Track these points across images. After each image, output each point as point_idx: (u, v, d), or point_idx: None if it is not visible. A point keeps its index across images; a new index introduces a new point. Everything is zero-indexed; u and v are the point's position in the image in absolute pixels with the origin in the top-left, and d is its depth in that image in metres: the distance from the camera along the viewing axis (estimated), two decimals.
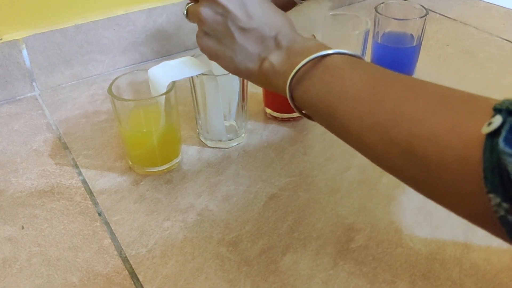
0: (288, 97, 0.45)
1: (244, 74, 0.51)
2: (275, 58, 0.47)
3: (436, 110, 0.34)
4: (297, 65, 0.43)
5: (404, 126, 0.35)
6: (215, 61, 0.52)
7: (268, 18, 0.48)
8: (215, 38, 0.50)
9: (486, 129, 0.29)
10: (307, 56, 0.43)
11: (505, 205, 0.29)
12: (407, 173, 0.36)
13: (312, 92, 0.43)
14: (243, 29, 0.48)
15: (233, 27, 0.48)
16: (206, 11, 0.49)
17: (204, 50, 0.52)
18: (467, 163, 0.31)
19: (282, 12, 0.50)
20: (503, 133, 0.28)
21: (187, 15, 0.53)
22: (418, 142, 0.34)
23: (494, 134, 0.29)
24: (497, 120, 0.29)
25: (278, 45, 0.47)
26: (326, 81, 0.42)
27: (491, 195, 0.29)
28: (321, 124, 0.44)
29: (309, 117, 0.47)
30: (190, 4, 0.52)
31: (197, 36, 0.52)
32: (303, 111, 0.46)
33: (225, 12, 0.48)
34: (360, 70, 0.41)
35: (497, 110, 0.30)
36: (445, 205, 0.35)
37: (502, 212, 0.29)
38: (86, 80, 0.84)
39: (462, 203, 0.33)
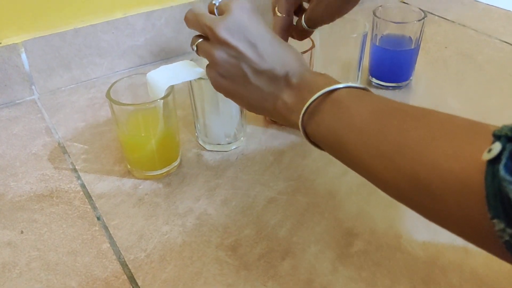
0: (302, 133, 0.47)
1: (260, 112, 0.52)
2: (287, 97, 0.48)
3: (437, 138, 0.35)
4: (307, 101, 0.45)
5: (407, 154, 0.36)
6: (229, 98, 0.53)
7: (279, 56, 0.49)
8: (228, 78, 0.51)
9: (487, 156, 0.30)
10: (316, 92, 0.44)
11: (509, 230, 0.29)
12: (413, 200, 0.37)
13: (322, 126, 0.44)
14: (256, 71, 0.49)
15: (247, 69, 0.49)
16: (219, 54, 0.50)
17: (218, 89, 0.53)
18: (469, 190, 0.31)
19: (291, 47, 0.51)
20: (503, 160, 0.28)
21: (197, 51, 0.53)
22: (422, 170, 0.34)
23: (495, 160, 0.29)
24: (497, 147, 0.29)
25: (289, 83, 0.48)
26: (335, 114, 0.43)
27: (495, 221, 0.29)
28: (334, 156, 0.45)
29: (324, 150, 0.48)
30: (200, 41, 0.53)
31: (210, 76, 0.52)
32: (318, 145, 0.48)
33: (238, 54, 0.49)
34: (366, 102, 0.42)
35: (496, 136, 0.30)
36: (451, 230, 0.36)
37: (506, 237, 0.29)
38: (85, 83, 0.84)
39: (468, 228, 0.33)
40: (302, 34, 0.65)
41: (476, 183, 0.30)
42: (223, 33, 0.49)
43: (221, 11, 0.51)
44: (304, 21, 0.63)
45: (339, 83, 0.45)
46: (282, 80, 0.48)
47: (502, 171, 0.28)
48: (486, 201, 0.30)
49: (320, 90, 0.44)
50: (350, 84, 0.44)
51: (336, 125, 0.43)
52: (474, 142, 0.32)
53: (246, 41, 0.48)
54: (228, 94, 0.52)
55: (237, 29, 0.49)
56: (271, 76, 0.49)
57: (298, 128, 0.47)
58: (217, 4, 0.52)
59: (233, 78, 0.50)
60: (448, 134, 0.35)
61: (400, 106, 0.41)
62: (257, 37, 0.49)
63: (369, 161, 0.40)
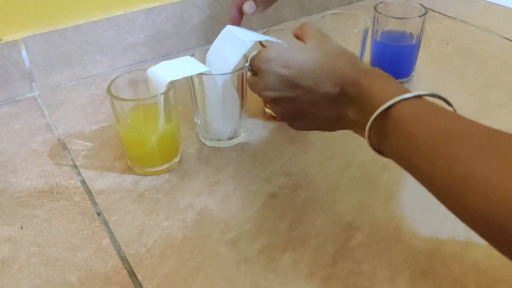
0: (371, 147, 0.46)
1: (336, 130, 0.53)
2: (351, 113, 0.48)
3: (508, 170, 0.33)
4: (369, 118, 0.43)
5: (477, 190, 0.34)
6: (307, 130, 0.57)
7: (326, 77, 0.49)
8: (299, 119, 0.54)
9: None
10: (375, 108, 0.43)
11: None
12: (484, 233, 0.35)
13: (388, 146, 0.44)
14: (313, 103, 0.50)
15: (306, 106, 0.51)
16: (278, 109, 0.55)
17: (299, 129, 0.56)
18: None
19: (334, 52, 0.50)
20: None
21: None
22: (493, 207, 0.33)
23: None
24: None
25: (348, 98, 0.47)
26: (399, 137, 0.42)
27: None
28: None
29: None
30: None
31: (287, 122, 0.57)
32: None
33: (290, 101, 0.52)
34: (429, 121, 0.40)
35: None
36: None
37: None
38: (85, 80, 0.84)
39: None
40: (267, 0, 0.65)
41: None
42: (266, 93, 0.53)
43: (254, 72, 0.55)
44: None
45: (395, 92, 0.42)
46: (341, 98, 0.48)
47: None
48: None
49: (378, 106, 0.43)
50: (407, 94, 0.42)
51: (402, 148, 0.41)
52: None
53: (288, 87, 0.51)
54: (309, 130, 0.55)
55: (273, 83, 0.52)
56: (328, 101, 0.49)
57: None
58: (248, 67, 0.56)
59: (302, 116, 0.53)
60: None
61: (468, 127, 0.38)
62: (294, 76, 0.50)
63: (440, 189, 0.38)
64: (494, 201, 0.33)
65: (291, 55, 0.51)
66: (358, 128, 0.47)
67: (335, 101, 0.49)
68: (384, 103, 0.42)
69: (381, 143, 0.45)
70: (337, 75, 0.48)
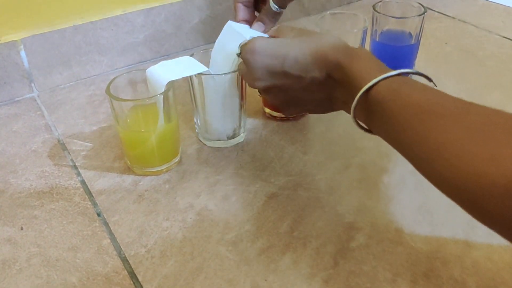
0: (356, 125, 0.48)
1: (328, 112, 0.55)
2: (340, 94, 0.50)
3: (475, 140, 0.34)
4: (353, 99, 0.45)
5: (447, 160, 0.36)
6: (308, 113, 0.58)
7: (311, 62, 0.50)
8: (292, 105, 0.56)
9: None
10: (359, 88, 0.45)
11: None
12: (459, 202, 0.37)
13: (373, 126, 0.46)
14: (303, 89, 0.52)
15: (296, 93, 0.53)
16: (270, 97, 0.57)
17: (294, 115, 0.59)
18: (509, 196, 0.31)
19: (317, 38, 0.51)
20: None
21: None
22: (461, 176, 0.34)
23: None
24: None
25: (334, 80, 0.49)
26: (380, 116, 0.44)
27: None
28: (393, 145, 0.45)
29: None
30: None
31: (280, 110, 0.59)
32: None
33: (281, 88, 0.53)
34: (405, 99, 0.42)
35: None
36: (502, 235, 0.35)
37: None
38: (84, 80, 0.84)
39: None
40: (274, 16, 0.65)
41: None
42: (257, 84, 0.54)
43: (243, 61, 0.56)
44: (273, 2, 0.63)
45: (377, 72, 0.44)
46: (329, 80, 0.49)
47: None
48: None
49: (361, 85, 0.44)
50: (386, 75, 0.44)
51: (385, 125, 0.43)
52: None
53: (276, 76, 0.52)
54: (302, 113, 0.58)
55: (261, 73, 0.53)
56: (317, 85, 0.50)
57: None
58: (238, 55, 0.57)
59: (296, 104, 0.55)
60: (486, 137, 0.34)
61: (438, 100, 0.40)
62: (281, 64, 0.51)
63: (417, 163, 0.40)
64: (463, 170, 0.34)
65: (275, 44, 0.52)
66: (348, 108, 0.48)
67: (323, 85, 0.50)
68: (366, 83, 0.44)
69: (368, 121, 0.47)
70: (322, 59, 0.49)
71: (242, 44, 0.56)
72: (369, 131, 0.47)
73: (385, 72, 0.44)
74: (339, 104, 0.51)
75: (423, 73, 0.46)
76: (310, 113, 0.57)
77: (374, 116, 0.45)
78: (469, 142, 0.34)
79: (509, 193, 0.31)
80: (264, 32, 0.64)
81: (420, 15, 0.77)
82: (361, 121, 0.47)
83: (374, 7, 0.79)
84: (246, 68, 0.55)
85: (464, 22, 1.03)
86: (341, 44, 0.50)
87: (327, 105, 0.53)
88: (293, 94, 0.53)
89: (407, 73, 0.46)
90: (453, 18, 1.05)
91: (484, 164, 0.32)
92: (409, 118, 0.40)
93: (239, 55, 0.57)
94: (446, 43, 0.94)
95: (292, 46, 0.51)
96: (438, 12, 1.07)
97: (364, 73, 0.45)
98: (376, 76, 0.44)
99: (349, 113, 0.48)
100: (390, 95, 0.43)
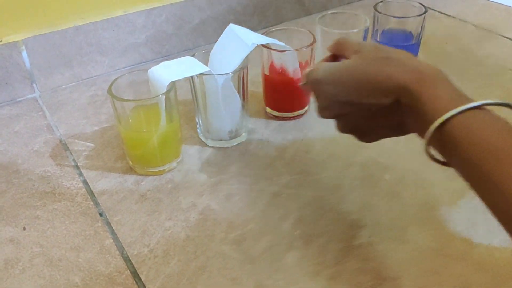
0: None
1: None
2: (411, 121, 0.44)
3: None
4: (425, 131, 0.41)
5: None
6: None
7: (374, 88, 0.44)
8: (366, 134, 0.51)
9: None
10: (431, 121, 0.40)
11: None
12: None
13: (445, 157, 0.42)
14: (370, 117, 0.47)
15: (363, 121, 0.48)
16: (341, 128, 0.51)
17: (369, 142, 0.52)
18: None
19: (377, 62, 0.45)
20: None
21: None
22: None
23: None
24: None
25: (405, 106, 0.43)
26: (451, 148, 0.40)
27: None
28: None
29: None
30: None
31: (358, 139, 0.52)
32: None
33: (350, 117, 0.49)
34: (482, 136, 0.38)
35: None
36: None
37: None
38: (86, 81, 0.84)
39: None
40: None
41: None
42: (324, 114, 0.51)
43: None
44: None
45: (452, 101, 0.40)
46: (398, 107, 0.44)
47: None
48: None
49: (433, 118, 0.40)
50: (461, 108, 0.39)
51: (456, 161, 0.40)
52: None
53: (341, 105, 0.48)
54: (374, 140, 0.51)
55: (327, 103, 0.50)
56: (386, 111, 0.45)
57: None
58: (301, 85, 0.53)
59: (369, 132, 0.50)
60: None
61: None
62: (343, 94, 0.47)
63: (487, 202, 0.38)
64: None
65: (338, 70, 0.47)
66: (421, 136, 0.43)
67: (392, 111, 0.44)
68: (439, 115, 0.39)
69: (442, 152, 0.41)
70: (387, 84, 0.43)
71: (306, 72, 0.51)
72: (443, 163, 0.43)
73: (461, 103, 0.39)
74: (412, 129, 0.45)
75: (507, 102, 0.40)
76: (385, 137, 0.50)
77: (445, 149, 0.40)
78: None
79: None
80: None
81: (421, 15, 0.77)
82: (434, 153, 0.42)
83: (375, 6, 0.79)
84: (315, 98, 0.51)
85: (465, 21, 1.03)
86: (409, 62, 0.44)
87: (402, 130, 0.47)
88: (361, 123, 0.49)
89: (488, 104, 0.40)
90: (454, 17, 1.05)
91: None
92: (484, 161, 0.37)
93: (303, 85, 0.52)
94: (446, 43, 0.94)
95: (355, 71, 0.46)
96: (439, 11, 1.07)
97: (437, 103, 0.40)
98: (450, 108, 0.39)
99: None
100: (463, 131, 0.38)
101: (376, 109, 0.45)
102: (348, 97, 0.47)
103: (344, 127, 0.51)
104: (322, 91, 0.49)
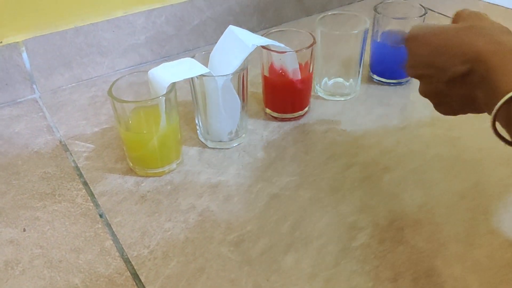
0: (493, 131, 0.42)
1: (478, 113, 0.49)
2: (481, 95, 0.44)
3: None
4: (494, 106, 0.40)
5: None
6: (451, 115, 0.52)
7: (454, 53, 0.45)
8: (440, 100, 0.51)
9: None
10: (503, 93, 0.39)
11: None
12: None
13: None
14: (445, 82, 0.47)
15: (440, 85, 0.48)
16: (421, 89, 0.52)
17: (444, 114, 0.53)
18: None
19: (468, 29, 0.46)
20: None
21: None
22: None
23: None
24: None
25: (478, 77, 0.43)
26: None
27: None
28: None
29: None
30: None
31: (434, 107, 0.53)
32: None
33: (428, 79, 0.50)
34: None
35: None
36: None
37: None
38: (86, 82, 0.84)
39: None
40: None
41: None
42: (408, 71, 0.52)
43: None
44: None
45: None
46: (471, 76, 0.44)
47: None
48: None
49: (506, 90, 0.39)
50: None
51: None
52: None
53: (424, 65, 0.49)
54: (451, 113, 0.52)
55: (413, 61, 0.51)
56: (460, 79, 0.45)
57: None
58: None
59: (441, 98, 0.50)
60: None
61: None
62: (427, 54, 0.48)
63: None
64: None
65: (432, 32, 0.48)
66: (489, 111, 0.42)
67: (465, 80, 0.45)
68: (510, 90, 0.39)
69: (510, 131, 0.41)
70: (466, 51, 0.44)
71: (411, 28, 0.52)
72: (509, 142, 0.42)
73: None
74: (480, 105, 0.45)
75: None
76: (457, 113, 0.51)
77: None
78: None
79: None
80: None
81: (421, 16, 0.77)
82: (500, 129, 0.41)
83: (375, 8, 0.79)
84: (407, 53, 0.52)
85: None
86: (497, 35, 0.43)
87: (471, 105, 0.47)
88: (439, 88, 0.49)
89: None
90: None
91: None
92: None
93: (402, 40, 0.53)
94: None
95: (443, 34, 0.47)
96: (439, 13, 1.07)
97: (510, 77, 0.40)
98: None
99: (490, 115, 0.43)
100: None
101: (449, 75, 0.46)
102: (431, 58, 0.48)
103: (423, 89, 0.52)
104: (413, 48, 0.51)
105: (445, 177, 0.62)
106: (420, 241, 0.53)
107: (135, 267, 0.52)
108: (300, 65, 0.68)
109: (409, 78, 0.83)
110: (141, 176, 0.63)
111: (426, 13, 0.77)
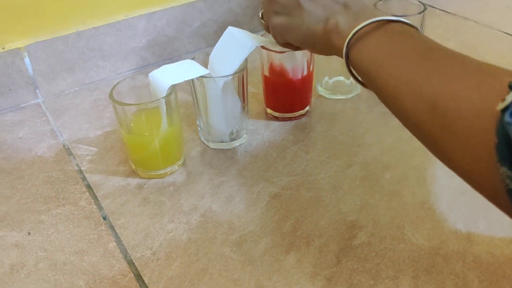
0: (344, 57, 0.46)
1: (310, 39, 0.52)
2: (341, 19, 0.48)
3: (466, 74, 0.36)
4: (359, 25, 0.45)
5: (433, 84, 0.37)
6: (285, 36, 0.54)
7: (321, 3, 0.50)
8: (285, 14, 0.53)
9: (501, 105, 0.31)
10: (371, 19, 0.45)
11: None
12: (428, 129, 0.38)
13: (365, 51, 0.45)
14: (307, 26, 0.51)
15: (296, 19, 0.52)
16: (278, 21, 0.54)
17: (275, 28, 0.55)
18: (482, 120, 0.32)
19: None
20: (510, 108, 0.30)
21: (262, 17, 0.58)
22: (442, 97, 0.36)
23: (507, 109, 0.30)
24: (510, 97, 0.30)
25: (346, 8, 0.48)
26: (380, 42, 0.44)
27: (500, 166, 0.30)
28: (367, 84, 0.46)
29: (362, 84, 0.48)
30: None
31: (267, 18, 0.56)
32: (356, 76, 0.48)
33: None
34: (416, 37, 0.43)
35: (511, 87, 0.31)
36: (459, 171, 0.37)
37: (510, 185, 0.30)
38: (88, 86, 0.85)
39: (474, 167, 0.34)
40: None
41: (489, 114, 0.31)
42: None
43: None
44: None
45: (397, 17, 0.45)
46: (340, 6, 0.49)
47: (507, 117, 0.29)
48: (495, 145, 0.30)
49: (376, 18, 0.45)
50: (408, 21, 0.45)
51: (379, 51, 0.43)
52: (496, 85, 0.33)
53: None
54: (283, 30, 0.54)
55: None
56: (327, 3, 0.50)
57: (340, 54, 0.47)
58: None
59: (289, 12, 0.52)
60: (478, 74, 0.36)
61: (445, 50, 0.41)
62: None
63: (396, 86, 0.40)
64: (446, 92, 0.36)
65: None
66: (336, 34, 0.48)
67: (331, 7, 0.50)
68: (384, 17, 0.45)
69: (357, 48, 0.46)
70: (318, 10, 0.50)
71: None
72: (361, 82, 0.48)
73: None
74: (330, 28, 0.49)
75: (405, 21, 0.46)
76: (293, 32, 0.53)
77: (371, 43, 0.45)
78: (459, 74, 0.37)
79: (482, 118, 0.32)
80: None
81: (420, 13, 0.77)
82: (350, 52, 0.46)
83: (374, 5, 0.79)
84: None
85: (465, 18, 1.03)
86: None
87: (316, 23, 0.51)
88: (299, 1, 0.52)
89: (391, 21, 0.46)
90: (454, 14, 1.05)
91: (468, 89, 0.35)
92: (409, 50, 0.41)
93: None
94: (448, 40, 0.94)
95: None
96: (439, 9, 1.07)
97: (381, 14, 0.46)
98: (361, 22, 0.45)
99: (330, 45, 0.49)
100: (403, 31, 0.44)
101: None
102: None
103: (276, 14, 0.54)
104: None
105: (445, 174, 0.62)
106: (421, 239, 0.54)
107: (138, 269, 0.52)
108: (300, 64, 0.69)
109: None
110: (143, 178, 0.64)
111: (425, 9, 0.77)
